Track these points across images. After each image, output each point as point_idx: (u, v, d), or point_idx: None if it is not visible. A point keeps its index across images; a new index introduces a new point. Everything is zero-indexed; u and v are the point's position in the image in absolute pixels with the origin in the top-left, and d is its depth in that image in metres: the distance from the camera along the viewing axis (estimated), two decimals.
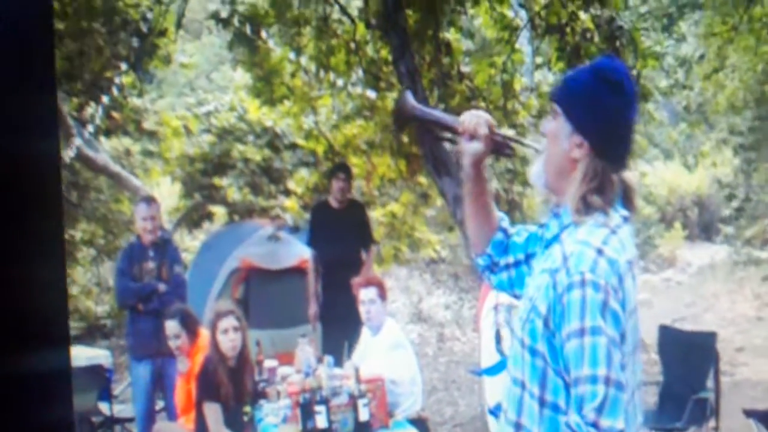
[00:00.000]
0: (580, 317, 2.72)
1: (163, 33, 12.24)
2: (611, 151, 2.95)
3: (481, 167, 3.24)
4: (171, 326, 7.39)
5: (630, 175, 3.05)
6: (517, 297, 3.37)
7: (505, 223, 3.39)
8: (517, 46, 11.89)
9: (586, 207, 2.88)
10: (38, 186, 1.38)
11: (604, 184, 2.90)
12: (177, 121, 17.30)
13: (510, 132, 10.48)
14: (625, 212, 2.96)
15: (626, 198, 2.99)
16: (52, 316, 1.41)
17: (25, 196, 1.36)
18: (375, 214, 14.16)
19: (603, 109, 2.94)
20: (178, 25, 12.22)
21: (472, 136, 3.17)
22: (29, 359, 1.37)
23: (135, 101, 15.66)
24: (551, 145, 3.03)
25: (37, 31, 1.38)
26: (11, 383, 1.36)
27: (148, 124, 16.37)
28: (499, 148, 3.26)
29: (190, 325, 7.45)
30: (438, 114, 3.55)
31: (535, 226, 3.36)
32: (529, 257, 3.28)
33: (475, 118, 3.18)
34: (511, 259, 3.34)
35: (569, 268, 2.78)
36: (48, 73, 1.40)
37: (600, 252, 2.78)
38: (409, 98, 3.46)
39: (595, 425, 2.68)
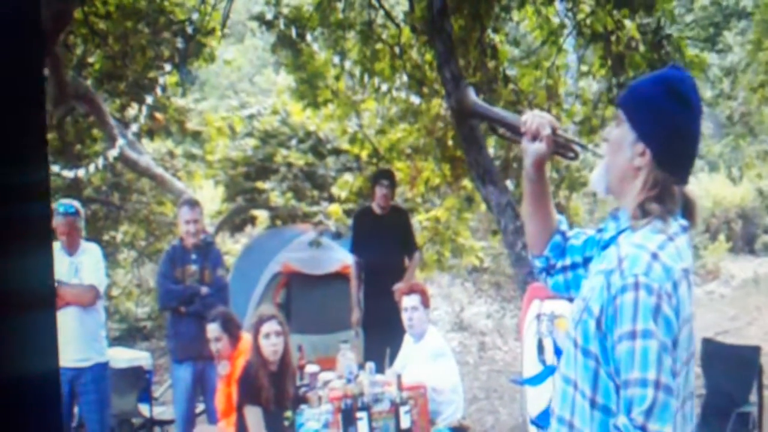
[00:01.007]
0: (632, 320, 2.72)
1: (210, 32, 12.26)
2: (674, 162, 2.94)
3: (542, 168, 3.24)
4: (212, 329, 7.38)
5: (691, 188, 3.04)
6: (572, 300, 3.35)
7: (564, 225, 3.40)
8: (564, 47, 11.83)
9: (643, 214, 2.88)
10: (26, 200, 1.36)
11: (664, 194, 2.90)
12: (221, 120, 17.35)
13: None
14: (684, 222, 2.95)
15: (687, 211, 2.99)
16: (40, 322, 1.38)
17: (12, 212, 1.34)
18: (418, 219, 14.12)
19: (668, 119, 2.92)
20: (223, 25, 12.24)
21: (535, 137, 3.16)
22: (16, 365, 1.35)
23: (178, 101, 15.72)
24: (614, 152, 3.02)
25: (27, 49, 1.36)
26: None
27: (192, 125, 16.41)
28: (561, 150, 3.25)
29: (231, 328, 7.45)
30: (500, 112, 3.52)
31: (594, 230, 3.36)
32: (586, 261, 3.28)
33: (538, 119, 3.17)
34: (568, 262, 3.35)
35: (623, 270, 2.78)
36: (36, 89, 1.38)
37: (655, 256, 2.78)
38: (471, 94, 3.44)
39: (643, 429, 2.68)
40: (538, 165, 3.21)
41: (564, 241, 3.36)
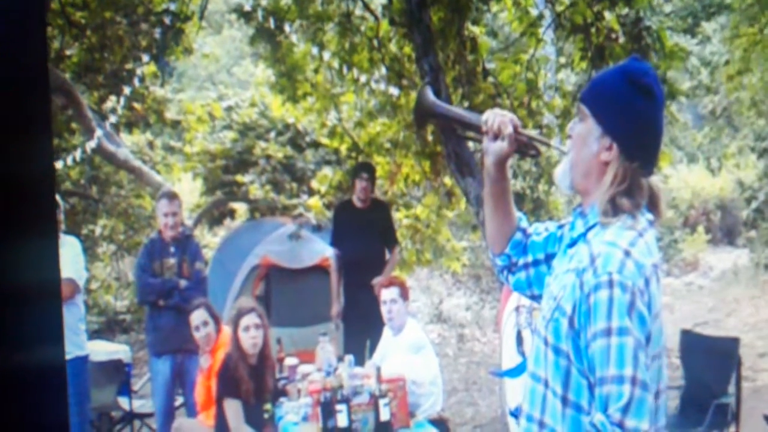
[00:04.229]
0: (606, 317, 2.73)
1: (188, 18, 12.19)
2: (640, 154, 2.95)
3: (504, 167, 3.22)
4: (197, 316, 7.41)
5: (655, 180, 3.04)
6: (534, 297, 3.40)
7: (524, 222, 3.39)
8: (543, 38, 11.81)
9: (614, 209, 2.89)
10: (31, 190, 1.35)
11: (633, 188, 2.91)
12: (201, 108, 17.31)
13: (535, 132, 10.41)
14: (650, 216, 2.97)
15: (652, 203, 2.99)
16: (47, 312, 1.39)
17: (18, 202, 1.34)
18: (398, 216, 14.12)
19: (633, 112, 2.94)
20: (201, 16, 12.20)
21: (497, 136, 3.14)
22: (22, 355, 1.35)
23: (157, 91, 15.68)
24: (579, 147, 3.03)
25: (30, 32, 1.35)
26: (4, 377, 1.34)
27: (170, 114, 16.38)
28: (523, 148, 3.23)
29: (215, 315, 7.49)
30: (460, 112, 3.49)
31: (554, 225, 3.37)
32: (549, 257, 3.28)
33: (499, 117, 3.15)
34: (530, 259, 3.35)
35: (596, 268, 2.79)
36: (41, 74, 1.37)
37: (627, 254, 2.79)
38: (429, 94, 3.39)
39: (620, 425, 2.68)
40: (500, 164, 3.19)
41: (525, 238, 3.35)
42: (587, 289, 2.77)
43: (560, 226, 3.29)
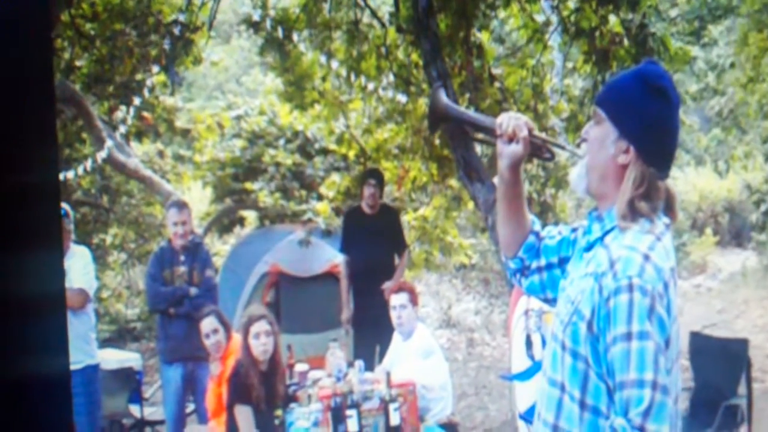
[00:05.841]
0: (627, 321, 2.72)
1: (198, 28, 12.22)
2: (657, 156, 2.96)
3: (518, 170, 3.21)
4: (208, 323, 7.42)
5: (670, 183, 3.04)
6: (547, 300, 3.38)
7: (537, 226, 3.38)
8: (549, 43, 11.82)
9: (632, 213, 2.89)
10: (36, 200, 1.38)
11: (651, 191, 2.91)
12: (210, 118, 17.34)
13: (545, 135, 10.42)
14: (666, 220, 2.97)
15: (667, 206, 2.99)
16: (52, 322, 1.41)
17: (23, 213, 1.36)
18: (406, 218, 14.14)
19: (650, 114, 2.94)
20: (210, 26, 12.24)
21: (511, 139, 3.13)
22: (28, 365, 1.37)
23: (167, 100, 15.71)
24: (595, 150, 3.03)
25: (36, 43, 1.38)
26: (10, 387, 1.36)
27: (180, 123, 16.41)
28: (537, 151, 3.22)
29: (225, 322, 7.53)
30: (474, 115, 3.49)
31: (567, 228, 3.35)
32: (562, 260, 3.27)
33: (514, 120, 3.14)
34: (543, 262, 3.33)
35: (616, 272, 2.78)
36: (46, 91, 1.40)
37: (647, 258, 2.79)
38: (443, 97, 3.39)
39: (641, 430, 2.68)
40: (515, 167, 3.19)
41: (538, 241, 3.34)
42: (607, 293, 2.77)
43: (573, 230, 3.28)
